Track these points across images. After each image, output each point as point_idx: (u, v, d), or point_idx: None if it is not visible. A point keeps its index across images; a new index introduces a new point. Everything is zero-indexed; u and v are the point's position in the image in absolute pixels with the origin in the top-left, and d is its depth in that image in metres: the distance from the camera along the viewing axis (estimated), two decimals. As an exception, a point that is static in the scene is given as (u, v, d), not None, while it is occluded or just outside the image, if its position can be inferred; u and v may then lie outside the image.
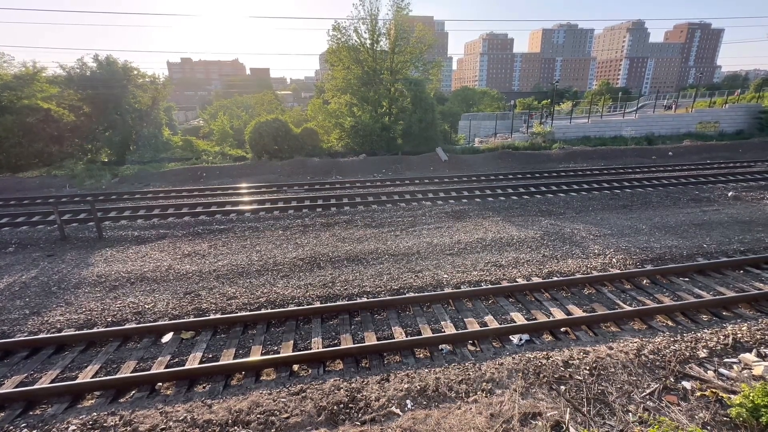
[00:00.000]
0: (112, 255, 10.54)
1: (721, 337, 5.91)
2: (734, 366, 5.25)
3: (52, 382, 5.80)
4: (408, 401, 4.79)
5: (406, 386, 5.03)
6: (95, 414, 4.72)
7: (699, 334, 6.04)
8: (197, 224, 12.89)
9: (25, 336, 6.92)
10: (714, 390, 4.72)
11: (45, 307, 7.87)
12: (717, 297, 7.56)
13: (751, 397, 4.16)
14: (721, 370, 5.17)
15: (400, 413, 4.59)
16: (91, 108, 24.93)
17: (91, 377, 5.87)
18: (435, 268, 9.26)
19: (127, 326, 7.06)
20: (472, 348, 6.39)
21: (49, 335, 6.83)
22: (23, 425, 4.61)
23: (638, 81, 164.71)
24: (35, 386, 5.59)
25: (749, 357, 5.37)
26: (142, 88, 27.65)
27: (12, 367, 6.17)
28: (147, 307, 7.80)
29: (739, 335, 5.93)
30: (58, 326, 7.22)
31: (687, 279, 8.56)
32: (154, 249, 10.93)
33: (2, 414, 5.14)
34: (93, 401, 5.40)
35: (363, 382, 5.17)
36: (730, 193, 15.27)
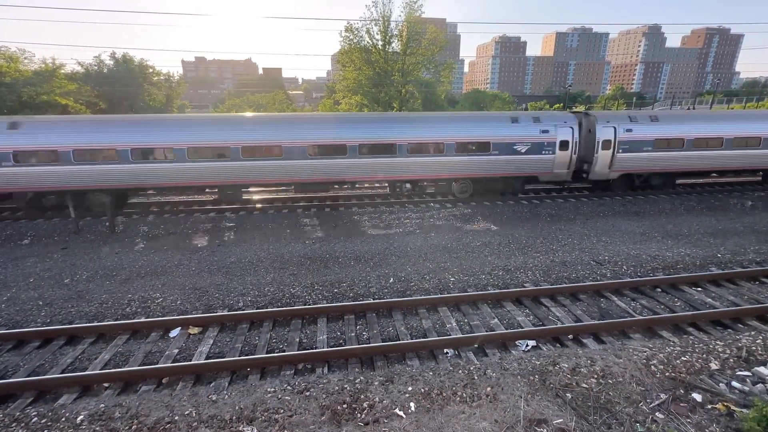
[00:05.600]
0: (124, 249, 10.72)
1: (734, 349, 5.76)
2: (747, 379, 5.11)
3: (62, 372, 5.92)
4: (411, 404, 4.77)
5: (410, 389, 5.01)
6: (103, 405, 4.80)
7: (711, 346, 5.90)
8: (206, 221, 13.04)
9: (38, 326, 7.08)
10: (726, 403, 4.60)
11: (57, 298, 8.04)
12: (730, 308, 7.39)
13: (764, 412, 4.05)
14: (734, 383, 5.04)
15: (404, 416, 4.57)
16: (107, 104, 25.48)
17: (100, 369, 5.97)
18: (442, 270, 9.21)
19: (136, 320, 7.18)
20: (477, 352, 6.34)
21: (60, 326, 6.97)
22: (33, 414, 4.70)
23: (653, 86, 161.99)
24: (46, 376, 5.72)
25: (763, 371, 5.23)
26: (156, 86, 28.19)
27: (24, 357, 6.32)
28: (156, 301, 7.91)
29: (753, 348, 5.78)
30: (70, 318, 7.37)
31: (700, 289, 8.38)
32: (164, 244, 11.09)
33: (14, 402, 5.26)
34: (102, 393, 5.50)
35: (367, 383, 5.16)
36: (749, 203, 14.92)
